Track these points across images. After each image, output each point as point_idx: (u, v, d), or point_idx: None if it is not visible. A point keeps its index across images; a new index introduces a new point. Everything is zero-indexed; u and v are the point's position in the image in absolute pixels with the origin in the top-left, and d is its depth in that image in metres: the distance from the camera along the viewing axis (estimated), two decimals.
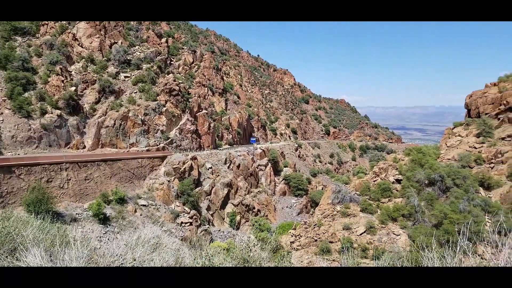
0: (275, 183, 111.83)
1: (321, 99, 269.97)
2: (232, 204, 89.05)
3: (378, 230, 46.48)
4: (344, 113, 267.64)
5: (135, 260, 10.64)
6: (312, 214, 69.10)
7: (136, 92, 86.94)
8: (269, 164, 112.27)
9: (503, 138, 56.40)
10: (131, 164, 71.86)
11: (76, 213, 54.80)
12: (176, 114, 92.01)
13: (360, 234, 45.95)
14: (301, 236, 52.22)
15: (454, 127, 66.16)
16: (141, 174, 73.63)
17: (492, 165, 52.76)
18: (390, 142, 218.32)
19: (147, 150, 78.77)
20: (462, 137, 61.30)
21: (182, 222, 68.36)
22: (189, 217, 70.46)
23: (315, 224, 51.99)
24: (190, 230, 66.85)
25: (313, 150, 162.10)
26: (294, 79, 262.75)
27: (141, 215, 63.18)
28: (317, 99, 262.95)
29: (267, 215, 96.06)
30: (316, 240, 48.68)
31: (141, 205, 65.94)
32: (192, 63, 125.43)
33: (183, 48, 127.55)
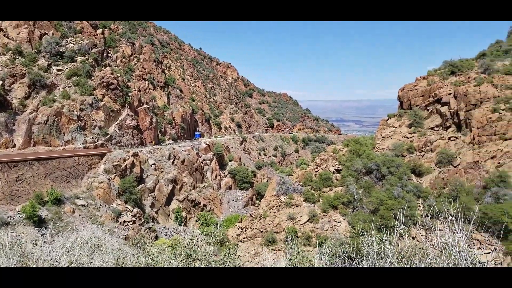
0: (220, 177, 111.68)
1: (264, 93, 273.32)
2: (177, 200, 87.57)
3: (320, 219, 48.34)
4: (287, 107, 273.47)
5: (71, 263, 10.13)
6: (257, 206, 70.10)
7: (70, 86, 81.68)
8: (214, 159, 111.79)
9: (431, 128, 61.15)
10: (67, 162, 67.72)
11: (8, 217, 50.76)
12: (115, 109, 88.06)
13: (304, 223, 47.50)
14: (247, 228, 52.81)
15: (388, 119, 70.47)
16: (79, 173, 69.71)
17: (422, 153, 57.03)
18: (330, 134, 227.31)
19: (84, 148, 74.64)
20: (396, 127, 65.47)
21: (124, 221, 65.97)
22: (132, 215, 68.16)
23: (261, 216, 52.83)
24: (133, 229, 64.72)
25: (257, 144, 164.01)
26: (238, 72, 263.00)
27: (80, 215, 59.95)
28: (261, 93, 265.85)
29: (213, 210, 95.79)
30: (262, 232, 49.51)
31: (79, 205, 62.53)
32: (131, 55, 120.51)
33: (120, 40, 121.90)
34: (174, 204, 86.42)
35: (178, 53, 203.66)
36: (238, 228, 55.04)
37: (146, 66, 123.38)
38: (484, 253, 37.62)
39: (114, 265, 11.21)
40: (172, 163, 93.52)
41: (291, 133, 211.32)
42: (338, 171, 57.85)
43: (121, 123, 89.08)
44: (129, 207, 69.91)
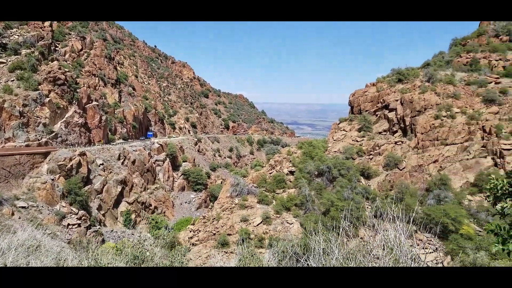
0: (173, 179, 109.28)
1: (220, 94, 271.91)
2: (127, 202, 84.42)
3: (273, 220, 48.66)
4: (242, 108, 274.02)
5: (6, 265, 9.32)
6: (211, 208, 69.31)
7: (13, 80, 75.97)
8: (167, 159, 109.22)
9: (380, 133, 63.86)
10: (6, 161, 62.92)
11: None
12: (62, 106, 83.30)
13: (257, 225, 47.57)
14: (200, 231, 51.96)
15: (340, 123, 72.68)
16: (19, 172, 65.01)
17: (371, 156, 59.33)
18: (284, 136, 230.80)
19: (27, 146, 69.73)
20: (347, 131, 67.65)
21: (69, 224, 62.44)
22: (77, 218, 64.68)
23: (214, 218, 52.23)
24: (78, 232, 61.41)
25: (212, 145, 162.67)
26: (194, 72, 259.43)
27: (20, 218, 55.84)
28: (217, 94, 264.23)
29: (164, 212, 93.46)
30: (214, 234, 48.93)
31: (19, 207, 58.29)
32: (81, 50, 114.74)
33: (70, 34, 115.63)
34: (123, 207, 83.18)
35: (132, 49, 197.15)
36: (190, 231, 54.03)
37: (97, 62, 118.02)
38: (427, 253, 39.73)
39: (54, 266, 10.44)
40: (122, 163, 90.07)
41: (246, 134, 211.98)
42: (291, 172, 58.66)
43: (67, 120, 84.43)
44: (74, 209, 66.28)
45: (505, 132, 49.48)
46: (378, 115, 66.51)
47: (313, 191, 52.75)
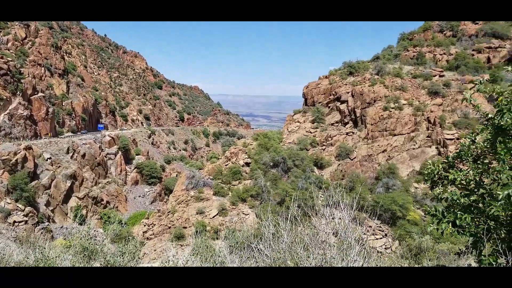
0: (126, 172, 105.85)
1: (175, 85, 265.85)
2: (77, 197, 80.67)
3: (229, 212, 48.72)
4: (198, 100, 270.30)
5: None
6: (166, 202, 68.00)
7: None
8: (120, 153, 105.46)
9: (332, 124, 65.71)
10: None
11: None
12: (5, 97, 77.64)
13: (213, 217, 47.41)
14: (154, 225, 50.92)
15: (294, 114, 73.83)
16: None
17: (324, 147, 60.96)
18: (240, 128, 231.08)
19: None
20: (301, 123, 68.90)
21: (14, 222, 58.81)
22: (23, 215, 60.95)
23: (169, 211, 51.38)
24: (25, 230, 57.83)
25: (167, 137, 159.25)
26: (146, 63, 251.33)
27: None
28: (171, 85, 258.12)
29: (117, 207, 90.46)
30: (170, 227, 48.17)
31: None
32: (25, 38, 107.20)
33: (13, 21, 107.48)
34: (73, 202, 79.39)
35: (80, 38, 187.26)
36: (145, 225, 52.81)
37: (42, 51, 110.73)
38: (376, 239, 41.67)
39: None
40: (71, 157, 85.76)
41: (202, 126, 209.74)
42: (247, 164, 58.89)
43: (11, 112, 78.93)
44: (20, 206, 62.33)
45: (448, 123, 52.75)
46: (331, 107, 68.34)
47: (268, 182, 53.35)
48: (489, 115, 7.08)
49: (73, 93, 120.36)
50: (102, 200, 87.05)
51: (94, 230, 68.91)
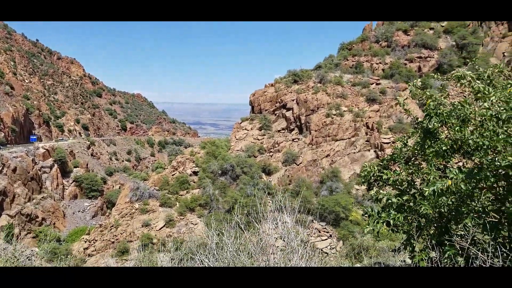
0: (63, 186, 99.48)
1: (116, 93, 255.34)
2: (8, 215, 74.27)
3: (177, 222, 47.61)
4: (141, 108, 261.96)
5: None
6: (108, 216, 64.93)
7: None
8: (56, 165, 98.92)
9: (279, 131, 67.01)
10: None
11: None
12: None
13: (160, 229, 46.03)
14: (96, 241, 48.28)
15: (242, 122, 74.27)
16: None
17: (271, 153, 61.88)
18: (187, 137, 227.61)
19: None
20: (248, 130, 69.44)
21: None
22: None
23: (112, 225, 49.05)
24: None
25: (108, 148, 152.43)
26: (84, 69, 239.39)
27: None
28: (112, 93, 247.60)
29: (54, 223, 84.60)
30: (113, 242, 45.93)
31: None
32: None
33: None
34: (3, 220, 72.94)
35: (8, 43, 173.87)
36: (85, 241, 49.85)
37: None
38: (322, 240, 42.89)
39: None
40: (1, 172, 78.96)
41: (146, 135, 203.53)
42: (195, 173, 58.04)
43: None
44: None
45: (384, 128, 55.99)
46: (277, 114, 69.70)
47: (217, 190, 52.95)
48: (419, 119, 7.58)
49: (1, 103, 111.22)
50: (37, 217, 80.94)
51: (31, 250, 63.85)
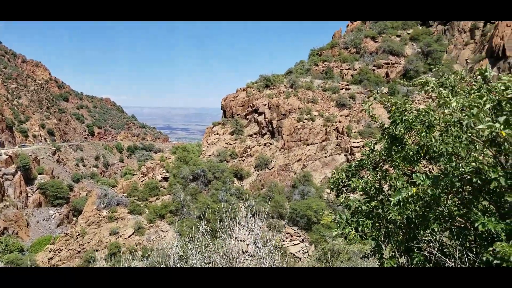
0: (27, 194, 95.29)
1: (83, 97, 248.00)
2: None
3: (146, 230, 46.48)
4: (110, 113, 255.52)
5: None
6: (75, 224, 62.63)
7: None
8: (19, 172, 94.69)
9: (251, 135, 66.86)
10: None
11: None
12: None
13: (129, 237, 44.78)
14: (61, 250, 46.38)
15: (213, 126, 73.68)
16: None
17: (243, 158, 61.63)
18: (158, 142, 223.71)
19: None
20: (220, 135, 68.94)
21: None
22: None
23: (79, 234, 47.28)
24: None
25: (75, 153, 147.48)
26: (50, 73, 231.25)
27: None
28: (79, 97, 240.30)
29: (17, 233, 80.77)
30: (80, 252, 44.27)
31: None
32: None
33: None
34: None
35: None
36: (50, 251, 47.78)
37: None
38: (294, 244, 43.00)
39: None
40: None
41: (115, 141, 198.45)
42: (165, 179, 56.92)
43: None
44: None
45: (354, 132, 57.04)
46: (249, 119, 69.62)
47: (188, 196, 52.14)
48: (385, 126, 7.61)
49: None
50: None
51: None
